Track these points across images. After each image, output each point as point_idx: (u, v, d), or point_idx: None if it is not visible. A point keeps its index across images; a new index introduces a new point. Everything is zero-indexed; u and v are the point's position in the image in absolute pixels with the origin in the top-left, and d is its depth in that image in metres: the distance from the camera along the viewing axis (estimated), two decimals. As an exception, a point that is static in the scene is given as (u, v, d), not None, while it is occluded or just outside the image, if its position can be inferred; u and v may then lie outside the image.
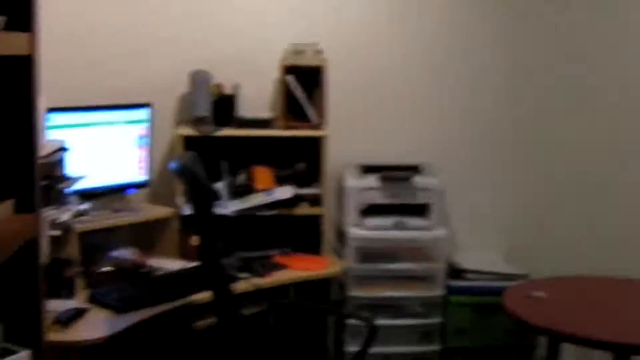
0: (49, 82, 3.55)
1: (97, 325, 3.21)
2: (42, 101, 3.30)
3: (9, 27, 2.03)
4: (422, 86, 4.74)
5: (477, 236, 4.82)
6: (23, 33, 2.17)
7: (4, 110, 2.20)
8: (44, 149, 3.18)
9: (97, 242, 3.84)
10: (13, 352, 2.03)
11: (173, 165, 3.28)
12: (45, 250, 2.81)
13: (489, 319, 4.40)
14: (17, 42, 2.12)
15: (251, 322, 3.86)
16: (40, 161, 2.76)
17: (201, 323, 3.64)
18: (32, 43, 2.22)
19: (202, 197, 3.11)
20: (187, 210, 3.95)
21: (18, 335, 2.12)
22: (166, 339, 3.73)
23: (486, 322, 4.43)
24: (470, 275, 4.48)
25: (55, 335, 2.99)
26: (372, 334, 3.52)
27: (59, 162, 3.43)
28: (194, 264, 3.85)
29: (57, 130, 3.73)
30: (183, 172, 3.12)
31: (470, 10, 4.74)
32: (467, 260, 4.60)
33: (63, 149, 3.46)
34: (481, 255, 4.69)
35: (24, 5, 2.18)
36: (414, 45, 4.71)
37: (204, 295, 3.47)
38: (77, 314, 3.22)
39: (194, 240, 3.87)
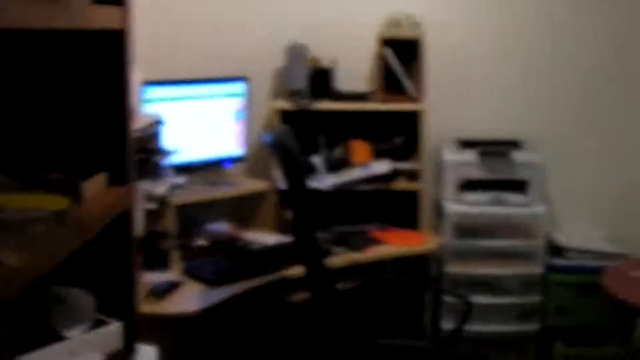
0: (146, 56, 3.60)
1: (190, 298, 3.23)
2: (138, 75, 3.34)
3: (101, 1, 2.03)
4: (523, 59, 4.61)
5: (577, 213, 4.68)
6: (115, 7, 2.17)
7: (98, 84, 2.21)
8: (140, 123, 3.21)
9: (193, 216, 3.87)
10: (105, 323, 2.04)
11: (266, 138, 3.28)
12: (139, 223, 2.84)
13: (589, 298, 4.28)
14: (109, 16, 2.12)
15: (347, 297, 3.85)
16: (134, 134, 2.79)
17: (296, 297, 3.64)
18: (124, 17, 2.22)
19: (295, 171, 3.10)
20: (284, 184, 3.95)
21: (111, 307, 2.13)
22: (259, 312, 3.75)
23: (586, 301, 4.31)
24: (570, 254, 4.37)
25: (149, 308, 3.03)
26: (468, 312, 3.47)
27: (155, 136, 3.46)
28: (289, 238, 3.84)
29: (154, 103, 3.76)
30: (276, 146, 3.11)
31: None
32: (567, 237, 4.48)
33: (159, 123, 3.49)
34: (581, 233, 4.56)
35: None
36: (513, 16, 4.57)
37: (298, 270, 3.45)
38: (171, 287, 3.25)
39: (288, 214, 3.86)
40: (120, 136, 2.25)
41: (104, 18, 2.09)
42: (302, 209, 3.15)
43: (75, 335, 1.92)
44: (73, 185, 1.97)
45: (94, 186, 2.08)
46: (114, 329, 2.05)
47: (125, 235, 2.28)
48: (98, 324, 2.03)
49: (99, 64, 2.21)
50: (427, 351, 3.56)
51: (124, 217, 2.24)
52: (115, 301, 2.20)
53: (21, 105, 2.18)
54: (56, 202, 1.74)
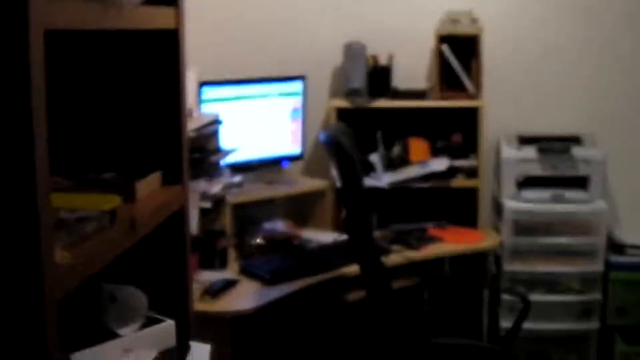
0: (203, 57, 3.63)
1: (246, 296, 3.25)
2: (194, 75, 3.37)
3: (154, 2, 2.05)
4: (581, 54, 4.54)
5: (638, 210, 4.60)
6: (168, 7, 2.19)
7: (153, 84, 2.24)
8: (197, 122, 3.24)
9: (250, 214, 3.89)
10: (159, 321, 2.06)
11: (321, 136, 3.28)
12: (195, 221, 2.86)
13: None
14: (163, 16, 2.14)
15: (403, 295, 3.83)
16: (191, 134, 2.82)
17: (352, 296, 3.63)
18: (178, 17, 2.24)
19: (350, 169, 3.09)
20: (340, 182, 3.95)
21: (165, 305, 2.15)
22: (315, 311, 3.75)
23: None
24: (632, 251, 4.29)
25: (205, 306, 3.05)
26: (526, 310, 3.43)
27: (213, 135, 3.48)
28: (346, 236, 3.84)
29: (211, 103, 3.79)
30: (331, 144, 3.11)
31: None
32: (629, 235, 4.40)
33: (217, 122, 3.51)
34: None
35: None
36: (572, 12, 4.51)
37: (354, 268, 3.45)
38: (227, 285, 3.27)
39: (343, 212, 3.86)
40: (175, 135, 2.27)
41: (157, 18, 2.11)
42: (357, 208, 3.14)
43: (129, 332, 1.94)
44: (126, 184, 2.00)
45: (148, 185, 2.10)
46: (167, 327, 2.07)
47: (179, 234, 2.30)
48: (152, 322, 2.04)
49: (154, 64, 2.23)
50: (484, 350, 3.53)
51: (179, 216, 2.26)
52: (170, 299, 2.22)
53: (78, 105, 2.21)
54: (109, 202, 1.77)
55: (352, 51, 4.28)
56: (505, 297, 4.20)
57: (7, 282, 1.33)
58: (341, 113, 4.17)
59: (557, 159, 4.22)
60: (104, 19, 1.65)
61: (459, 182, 4.24)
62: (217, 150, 3.46)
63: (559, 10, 4.51)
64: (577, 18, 4.51)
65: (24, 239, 1.31)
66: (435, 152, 4.27)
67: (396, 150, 4.26)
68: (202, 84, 3.70)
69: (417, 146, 4.27)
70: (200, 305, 2.95)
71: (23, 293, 1.33)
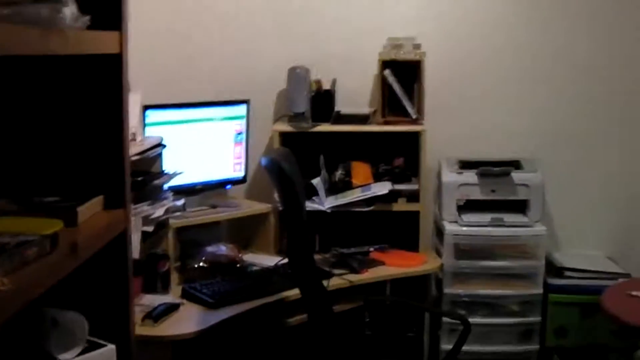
0: (146, 80, 3.64)
1: (189, 320, 3.24)
2: (138, 98, 3.37)
3: (97, 26, 2.05)
4: (521, 79, 4.62)
5: (577, 233, 4.68)
6: (111, 31, 2.20)
7: (95, 108, 2.24)
8: (140, 146, 3.24)
9: (193, 238, 3.89)
10: (100, 346, 2.06)
11: (263, 161, 3.30)
12: (137, 245, 2.85)
13: (590, 318, 4.27)
14: (106, 41, 2.14)
15: (347, 318, 3.85)
16: (134, 157, 2.81)
17: (294, 319, 3.64)
18: (122, 41, 2.24)
19: (291, 192, 3.11)
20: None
21: (106, 330, 2.15)
22: (257, 335, 3.75)
23: (587, 321, 4.30)
24: (570, 274, 4.36)
25: (147, 330, 3.03)
26: (467, 332, 3.47)
27: (156, 158, 3.49)
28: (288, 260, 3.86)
29: (154, 127, 3.78)
30: (272, 168, 3.13)
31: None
32: (568, 258, 4.47)
33: (160, 145, 3.51)
34: (582, 253, 4.56)
35: (114, 3, 2.20)
36: (511, 37, 4.59)
37: (296, 292, 3.45)
38: (169, 309, 3.26)
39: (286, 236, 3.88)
40: (118, 159, 2.27)
41: (100, 43, 2.11)
42: (299, 231, 3.16)
43: (70, 358, 1.93)
44: (68, 208, 2.00)
45: (90, 209, 2.10)
46: (108, 351, 2.06)
47: (121, 258, 2.29)
48: (93, 346, 2.04)
49: (97, 88, 2.23)
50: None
51: (121, 240, 2.26)
52: (111, 324, 2.22)
53: (21, 129, 2.20)
54: (50, 226, 1.77)
55: (296, 75, 4.30)
56: (446, 319, 4.23)
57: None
58: (284, 137, 4.19)
59: (497, 183, 4.29)
60: (46, 43, 1.65)
61: (401, 205, 4.27)
62: (161, 174, 3.46)
63: (497, 36, 4.58)
64: (515, 43, 4.58)
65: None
66: (378, 176, 4.30)
67: (339, 174, 4.28)
68: (146, 107, 3.70)
69: (360, 170, 4.30)
70: (142, 330, 2.93)
71: (-38, 318, 1.33)
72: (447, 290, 4.28)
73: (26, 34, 1.54)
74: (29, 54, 1.64)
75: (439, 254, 4.36)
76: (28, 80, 2.19)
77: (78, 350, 1.98)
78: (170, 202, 3.43)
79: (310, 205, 4.00)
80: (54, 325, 1.96)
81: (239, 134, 4.24)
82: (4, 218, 1.75)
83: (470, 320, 3.58)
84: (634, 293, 3.69)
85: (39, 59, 2.11)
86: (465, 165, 4.38)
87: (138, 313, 2.87)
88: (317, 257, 3.67)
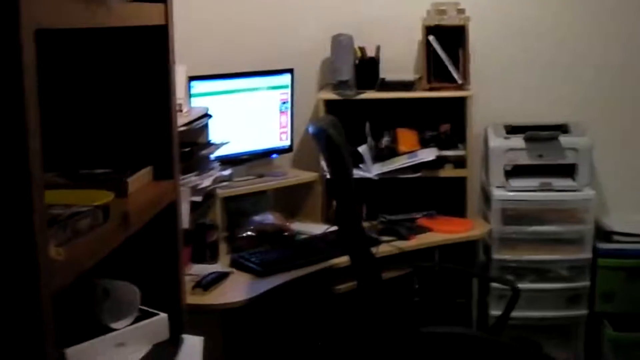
0: (192, 51, 3.66)
1: (238, 289, 3.26)
2: (183, 70, 3.38)
3: (142, -1, 2.07)
4: (569, 42, 4.56)
5: (626, 197, 4.63)
6: (157, 3, 2.21)
7: (142, 80, 2.26)
8: (186, 117, 3.26)
9: (241, 207, 3.91)
10: (151, 315, 2.08)
11: (310, 128, 3.30)
12: (185, 215, 2.87)
13: (638, 282, 4.24)
14: (151, 13, 2.16)
15: (395, 285, 3.86)
16: (181, 129, 2.83)
17: (342, 286, 3.65)
18: (166, 13, 2.26)
19: (339, 160, 3.10)
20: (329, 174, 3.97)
21: (157, 299, 2.18)
22: (306, 302, 3.77)
23: (636, 286, 4.27)
24: (619, 238, 4.32)
25: (196, 299, 3.06)
26: (515, 298, 3.46)
27: (203, 129, 3.50)
28: (336, 227, 3.86)
29: (200, 98, 3.80)
30: (319, 136, 3.12)
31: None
32: (617, 222, 4.42)
33: (206, 116, 3.53)
34: (631, 217, 4.51)
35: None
36: (557, 1, 4.54)
37: (345, 259, 3.46)
38: (219, 278, 3.28)
39: (333, 204, 3.88)
40: (166, 130, 2.29)
41: (146, 15, 2.13)
42: (347, 199, 3.16)
43: (122, 327, 1.96)
44: (118, 180, 2.02)
45: (140, 180, 2.12)
46: (160, 320, 2.09)
47: (171, 228, 2.32)
48: (145, 315, 2.07)
49: (144, 60, 2.25)
50: (473, 338, 3.55)
51: (170, 210, 2.29)
52: (162, 293, 2.25)
53: (69, 102, 2.23)
54: (101, 197, 1.79)
55: (340, 43, 4.29)
56: (495, 285, 4.22)
57: (3, 279, 1.35)
58: (329, 105, 4.18)
59: (545, 147, 4.25)
60: (93, 17, 1.67)
61: (448, 172, 4.26)
62: (207, 144, 3.48)
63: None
64: (563, 6, 4.53)
65: (19, 236, 1.33)
66: (424, 143, 4.28)
67: (385, 141, 4.28)
68: (191, 78, 3.72)
69: (406, 137, 4.29)
70: (192, 299, 2.96)
71: (19, 289, 1.35)
72: (495, 256, 4.27)
73: (72, 7, 1.55)
74: (75, 27, 1.66)
75: (486, 219, 4.34)
76: (76, 54, 2.22)
77: (130, 319, 2.01)
78: (217, 172, 3.45)
79: (357, 173, 4.00)
80: (106, 295, 1.99)
81: (284, 103, 4.25)
82: (54, 191, 1.77)
83: (519, 285, 3.57)
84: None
85: (87, 31, 2.13)
86: (512, 130, 4.34)
87: (188, 282, 2.90)
88: (364, 224, 3.67)
